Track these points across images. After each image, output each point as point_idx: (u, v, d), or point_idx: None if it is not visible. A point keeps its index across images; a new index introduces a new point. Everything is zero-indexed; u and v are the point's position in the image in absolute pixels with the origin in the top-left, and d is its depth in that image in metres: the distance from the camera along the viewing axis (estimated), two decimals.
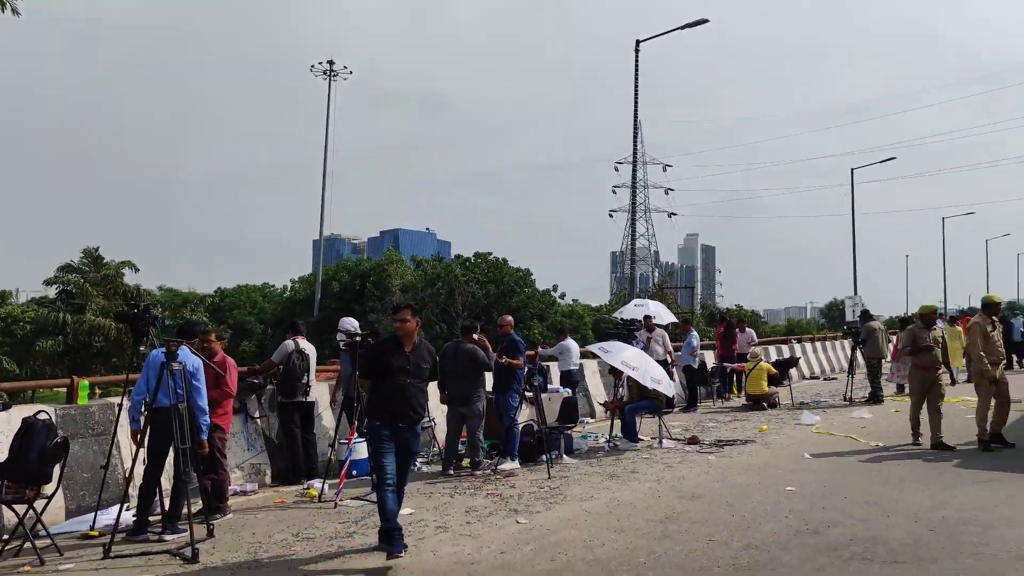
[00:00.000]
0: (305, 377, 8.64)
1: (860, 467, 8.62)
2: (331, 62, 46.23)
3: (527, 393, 9.80)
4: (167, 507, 6.38)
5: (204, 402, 6.51)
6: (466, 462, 9.25)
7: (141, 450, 6.38)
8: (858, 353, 15.69)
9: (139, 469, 6.55)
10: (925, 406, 9.96)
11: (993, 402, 9.49)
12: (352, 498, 7.58)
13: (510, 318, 10.07)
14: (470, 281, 46.29)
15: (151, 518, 6.48)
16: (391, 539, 5.56)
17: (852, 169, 36.04)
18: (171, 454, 6.36)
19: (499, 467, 9.10)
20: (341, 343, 8.56)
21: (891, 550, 5.53)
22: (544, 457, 9.08)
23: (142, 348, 6.72)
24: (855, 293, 32.62)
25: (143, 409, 6.40)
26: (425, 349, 6.11)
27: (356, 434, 8.29)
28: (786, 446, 10.23)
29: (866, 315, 15.66)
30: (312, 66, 46.18)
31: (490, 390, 9.63)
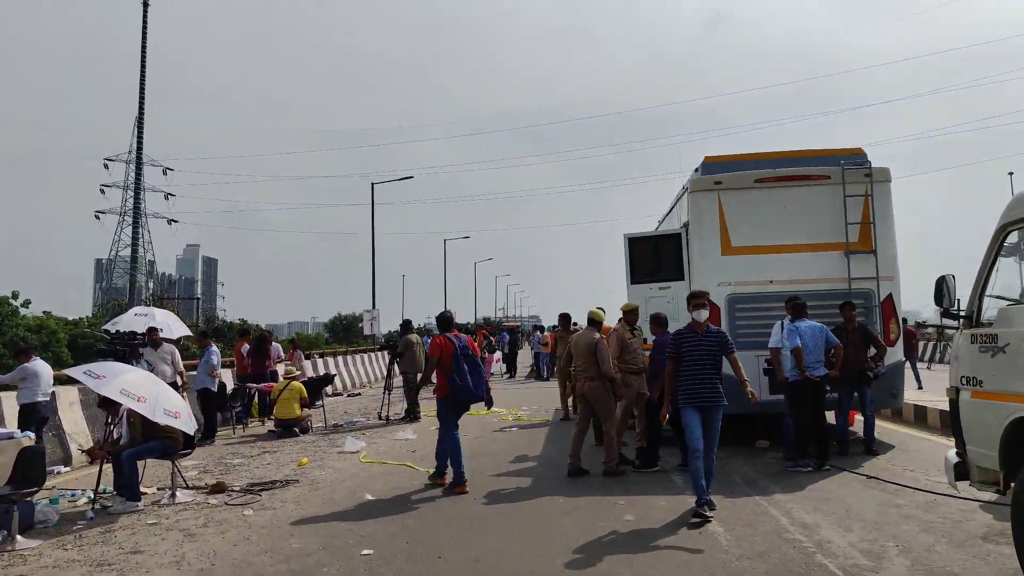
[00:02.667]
0: None
1: (435, 508, 7.15)
2: None
3: None
4: None
5: None
6: None
7: None
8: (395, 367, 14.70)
9: None
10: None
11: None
12: None
13: None
14: None
15: None
16: None
17: (372, 184, 36.56)
18: None
19: None
20: None
21: None
22: None
23: None
24: (373, 307, 32.71)
25: None
26: None
27: None
28: (338, 484, 8.34)
29: (406, 327, 14.73)
30: None
31: None
